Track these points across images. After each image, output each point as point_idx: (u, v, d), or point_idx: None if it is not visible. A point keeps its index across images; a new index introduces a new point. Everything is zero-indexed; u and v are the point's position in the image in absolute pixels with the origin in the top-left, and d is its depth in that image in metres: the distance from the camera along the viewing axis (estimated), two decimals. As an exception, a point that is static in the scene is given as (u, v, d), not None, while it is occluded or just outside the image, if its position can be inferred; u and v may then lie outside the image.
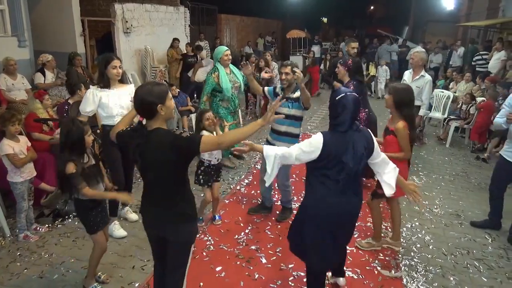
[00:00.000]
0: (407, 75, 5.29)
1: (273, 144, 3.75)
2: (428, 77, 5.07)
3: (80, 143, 2.64)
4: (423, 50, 5.50)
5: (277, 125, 3.74)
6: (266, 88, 4.03)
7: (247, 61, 4.49)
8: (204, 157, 3.66)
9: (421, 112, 5.11)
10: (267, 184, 2.53)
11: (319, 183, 2.40)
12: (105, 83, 3.37)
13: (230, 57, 4.95)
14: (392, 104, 3.17)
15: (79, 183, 2.60)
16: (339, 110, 2.33)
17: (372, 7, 31.31)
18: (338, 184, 2.36)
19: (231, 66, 5.07)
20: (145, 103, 2.03)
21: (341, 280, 2.98)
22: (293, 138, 3.74)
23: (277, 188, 4.17)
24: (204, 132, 3.55)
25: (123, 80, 3.54)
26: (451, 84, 8.91)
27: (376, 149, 2.46)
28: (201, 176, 3.71)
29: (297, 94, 3.62)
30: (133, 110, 2.35)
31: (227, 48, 4.96)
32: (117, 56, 3.49)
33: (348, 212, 2.47)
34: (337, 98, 2.35)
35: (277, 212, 4.14)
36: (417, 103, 5.01)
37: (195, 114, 6.92)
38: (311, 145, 2.33)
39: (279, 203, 4.19)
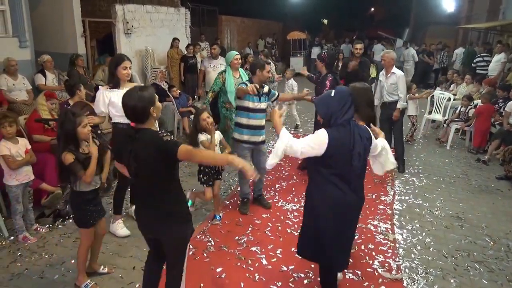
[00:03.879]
0: (381, 76, 5.56)
1: (254, 141, 3.99)
2: (399, 73, 5.35)
3: (73, 134, 2.69)
4: (391, 50, 6.01)
5: (258, 120, 3.96)
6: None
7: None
8: None
9: (399, 105, 5.34)
10: (270, 166, 2.55)
11: (328, 182, 2.42)
12: (115, 83, 3.41)
13: (240, 61, 5.10)
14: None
15: (78, 170, 2.66)
16: (342, 104, 2.40)
17: (372, 9, 31.36)
18: (346, 179, 2.41)
19: (241, 71, 5.18)
20: (139, 109, 2.09)
21: (338, 275, 2.94)
22: (264, 130, 4.10)
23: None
24: (201, 136, 3.65)
25: (132, 80, 3.58)
26: (451, 86, 8.92)
27: (373, 141, 2.60)
28: (201, 175, 3.82)
29: (266, 88, 4.04)
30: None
31: (237, 53, 5.10)
32: (127, 57, 3.49)
33: (355, 204, 2.53)
34: (338, 95, 2.45)
35: (278, 213, 4.16)
36: (394, 98, 5.37)
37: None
38: (316, 141, 2.36)
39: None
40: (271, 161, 2.50)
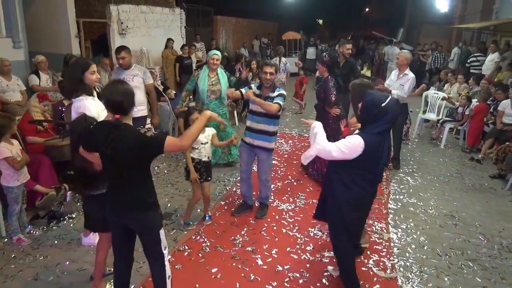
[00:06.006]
0: (393, 75, 5.51)
1: (251, 143, 3.89)
2: (411, 75, 5.31)
3: None
4: (407, 50, 5.95)
5: (254, 123, 3.82)
6: (243, 90, 3.84)
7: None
8: (193, 155, 3.68)
9: (393, 92, 5.16)
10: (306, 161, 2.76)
11: (355, 184, 2.60)
12: (87, 91, 2.93)
13: (218, 62, 4.84)
14: (351, 99, 3.33)
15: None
16: (385, 115, 2.48)
17: (367, 9, 31.46)
18: (372, 180, 2.65)
19: (220, 72, 4.96)
20: (126, 102, 2.17)
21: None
22: (271, 136, 3.86)
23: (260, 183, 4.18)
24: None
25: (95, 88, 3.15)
26: (445, 86, 8.98)
27: None
28: (185, 174, 3.79)
29: (277, 92, 3.73)
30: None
31: (215, 52, 4.88)
32: (91, 61, 3.15)
33: (374, 198, 2.84)
34: (383, 105, 2.46)
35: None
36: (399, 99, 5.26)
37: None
38: (350, 148, 2.48)
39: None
40: (304, 161, 2.76)
